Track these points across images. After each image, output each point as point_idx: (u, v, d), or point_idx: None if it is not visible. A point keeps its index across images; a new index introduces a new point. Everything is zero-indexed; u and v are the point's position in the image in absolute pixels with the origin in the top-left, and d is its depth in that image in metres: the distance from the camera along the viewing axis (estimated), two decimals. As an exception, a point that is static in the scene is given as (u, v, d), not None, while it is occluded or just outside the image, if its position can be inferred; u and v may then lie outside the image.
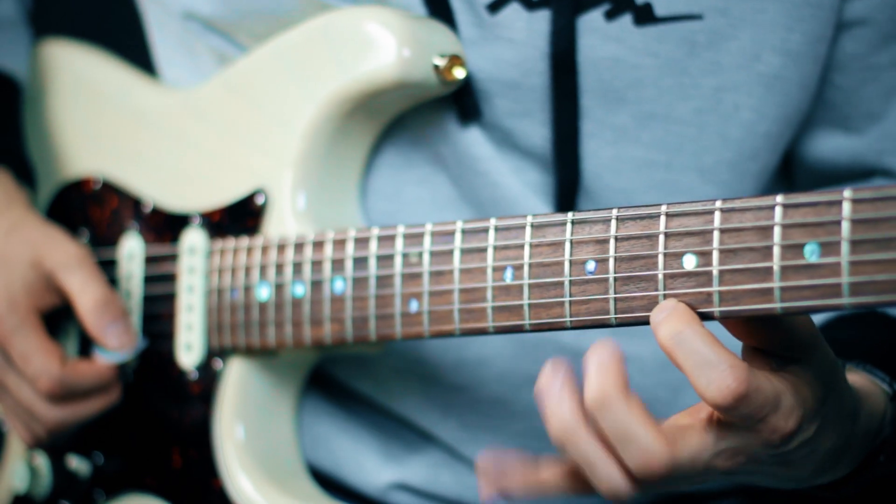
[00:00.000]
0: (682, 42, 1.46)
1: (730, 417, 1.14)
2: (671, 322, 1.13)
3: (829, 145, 1.57)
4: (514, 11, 1.46)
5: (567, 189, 1.50)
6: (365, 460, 1.60)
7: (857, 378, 1.31)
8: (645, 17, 1.45)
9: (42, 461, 1.68)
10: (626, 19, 1.45)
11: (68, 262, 1.58)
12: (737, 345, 1.21)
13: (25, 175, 1.73)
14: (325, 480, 1.60)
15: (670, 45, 1.46)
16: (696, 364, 1.11)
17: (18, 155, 1.73)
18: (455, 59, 1.44)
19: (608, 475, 1.16)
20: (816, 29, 1.49)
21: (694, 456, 1.15)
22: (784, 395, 1.14)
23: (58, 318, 1.65)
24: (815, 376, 1.18)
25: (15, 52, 1.77)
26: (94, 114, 1.72)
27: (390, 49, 1.44)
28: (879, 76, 1.53)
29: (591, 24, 1.46)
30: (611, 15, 1.45)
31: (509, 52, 1.47)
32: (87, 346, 1.64)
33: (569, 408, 1.16)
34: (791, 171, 1.61)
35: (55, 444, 1.64)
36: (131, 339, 1.57)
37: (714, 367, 1.11)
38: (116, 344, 1.56)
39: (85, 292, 1.56)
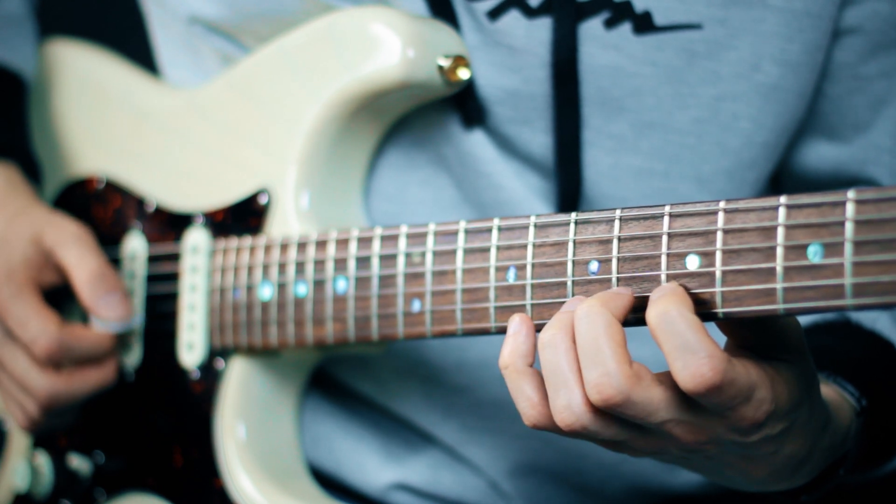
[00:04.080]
0: (682, 51, 1.47)
1: (701, 401, 1.14)
2: (662, 302, 1.13)
3: (813, 153, 1.57)
4: (513, 19, 1.46)
5: (569, 197, 1.50)
6: (366, 460, 1.60)
7: (827, 390, 1.32)
8: (644, 25, 1.46)
9: (43, 460, 1.68)
10: (626, 28, 1.46)
11: (66, 238, 1.58)
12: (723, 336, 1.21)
13: (32, 170, 1.73)
14: (325, 480, 1.60)
15: (669, 54, 1.47)
16: (676, 346, 1.11)
17: (25, 150, 1.74)
18: (459, 60, 1.44)
19: (567, 389, 1.15)
20: (815, 39, 1.49)
21: (652, 406, 1.14)
22: (759, 388, 1.14)
23: (60, 302, 1.64)
24: (795, 379, 1.18)
25: (22, 49, 1.77)
26: (99, 113, 1.73)
27: (395, 49, 1.44)
28: (867, 87, 1.53)
29: (591, 33, 1.46)
30: (610, 23, 1.45)
31: (509, 59, 1.47)
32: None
33: (558, 317, 1.18)
34: (777, 178, 1.61)
35: (48, 428, 1.63)
36: (127, 311, 1.57)
37: (693, 352, 1.11)
38: (111, 315, 1.56)
39: (81, 266, 1.56)
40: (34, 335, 1.55)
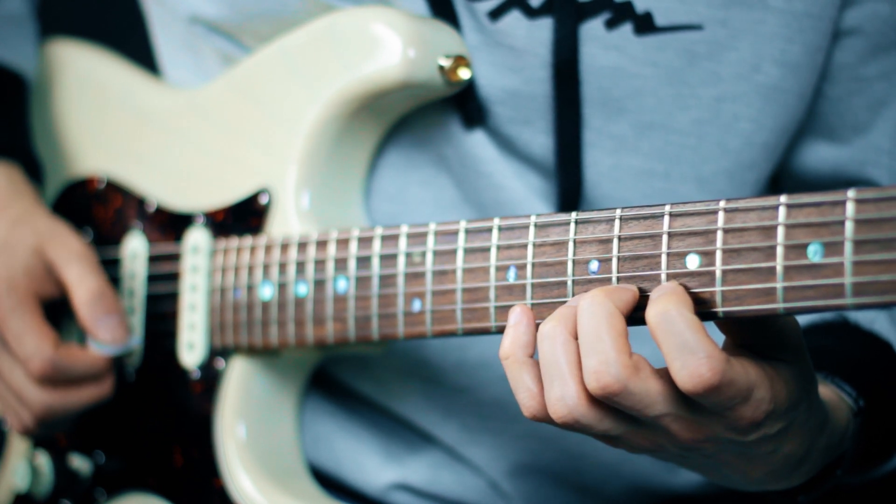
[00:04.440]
0: (682, 52, 1.47)
1: (699, 401, 1.14)
2: (662, 301, 1.13)
3: (813, 154, 1.57)
4: (514, 19, 1.46)
5: (569, 197, 1.51)
6: (366, 460, 1.60)
7: (825, 391, 1.32)
8: (645, 26, 1.46)
9: (43, 460, 1.68)
10: (627, 28, 1.46)
11: (69, 254, 1.58)
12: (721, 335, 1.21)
13: (34, 170, 1.73)
14: (325, 480, 1.60)
15: (670, 54, 1.47)
16: (675, 346, 1.11)
17: (27, 150, 1.74)
18: (460, 60, 1.44)
19: (561, 381, 1.16)
20: (816, 40, 1.49)
21: (649, 398, 1.14)
22: (757, 388, 1.14)
23: (60, 315, 1.65)
24: (794, 379, 1.18)
25: (23, 48, 1.77)
26: (100, 113, 1.73)
27: (396, 49, 1.44)
28: (866, 88, 1.53)
29: (592, 33, 1.46)
30: (611, 24, 1.46)
31: (510, 59, 1.47)
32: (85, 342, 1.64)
33: (560, 311, 1.18)
34: (777, 179, 1.61)
35: (44, 434, 1.63)
36: (123, 334, 1.58)
37: (692, 352, 1.11)
38: (108, 337, 1.57)
39: (81, 284, 1.57)
40: (29, 354, 1.55)
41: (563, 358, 1.16)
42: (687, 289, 1.16)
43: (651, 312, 1.13)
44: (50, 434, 1.66)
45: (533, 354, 1.20)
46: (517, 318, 1.21)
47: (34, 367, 1.55)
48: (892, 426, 1.43)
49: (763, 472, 1.23)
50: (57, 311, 1.64)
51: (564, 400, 1.16)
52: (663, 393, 1.14)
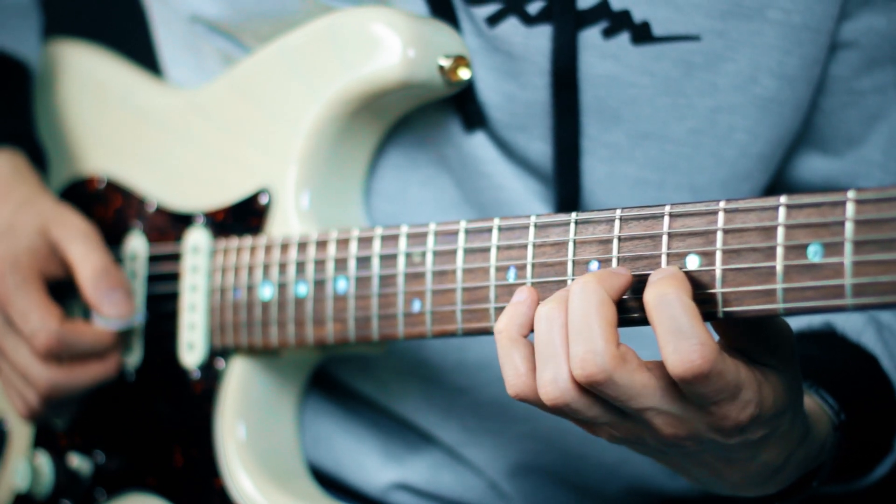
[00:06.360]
0: (679, 62, 1.47)
1: (686, 390, 1.13)
2: (661, 284, 1.13)
3: (806, 166, 1.57)
4: (512, 26, 1.46)
5: (567, 204, 1.50)
6: (366, 460, 1.60)
7: (808, 402, 1.31)
8: (643, 36, 1.45)
9: (44, 460, 1.68)
10: (624, 38, 1.46)
11: (73, 233, 1.58)
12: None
13: (38, 157, 1.73)
14: (326, 480, 1.60)
15: (667, 65, 1.47)
16: (669, 329, 1.11)
17: (32, 139, 1.74)
18: (460, 60, 1.44)
19: (555, 364, 1.15)
20: (813, 52, 1.49)
21: (633, 390, 1.14)
22: (746, 388, 1.14)
23: (65, 298, 1.65)
24: (782, 387, 1.18)
25: (28, 38, 1.77)
26: (100, 113, 1.73)
27: (395, 49, 1.44)
28: (860, 101, 1.53)
29: (589, 41, 1.46)
30: (609, 33, 1.45)
31: (508, 65, 1.47)
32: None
33: (560, 293, 1.18)
34: (772, 190, 1.61)
35: (48, 417, 1.63)
36: (129, 308, 1.57)
37: (685, 338, 1.10)
38: (113, 312, 1.56)
39: (85, 261, 1.57)
40: (34, 329, 1.55)
41: (559, 341, 1.16)
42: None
43: (649, 294, 1.13)
44: (54, 417, 1.66)
45: (528, 335, 1.20)
46: (521, 297, 1.21)
47: (39, 342, 1.55)
48: (871, 442, 1.43)
49: (739, 478, 1.23)
50: (62, 294, 1.64)
51: (556, 382, 1.16)
52: (649, 386, 1.14)
